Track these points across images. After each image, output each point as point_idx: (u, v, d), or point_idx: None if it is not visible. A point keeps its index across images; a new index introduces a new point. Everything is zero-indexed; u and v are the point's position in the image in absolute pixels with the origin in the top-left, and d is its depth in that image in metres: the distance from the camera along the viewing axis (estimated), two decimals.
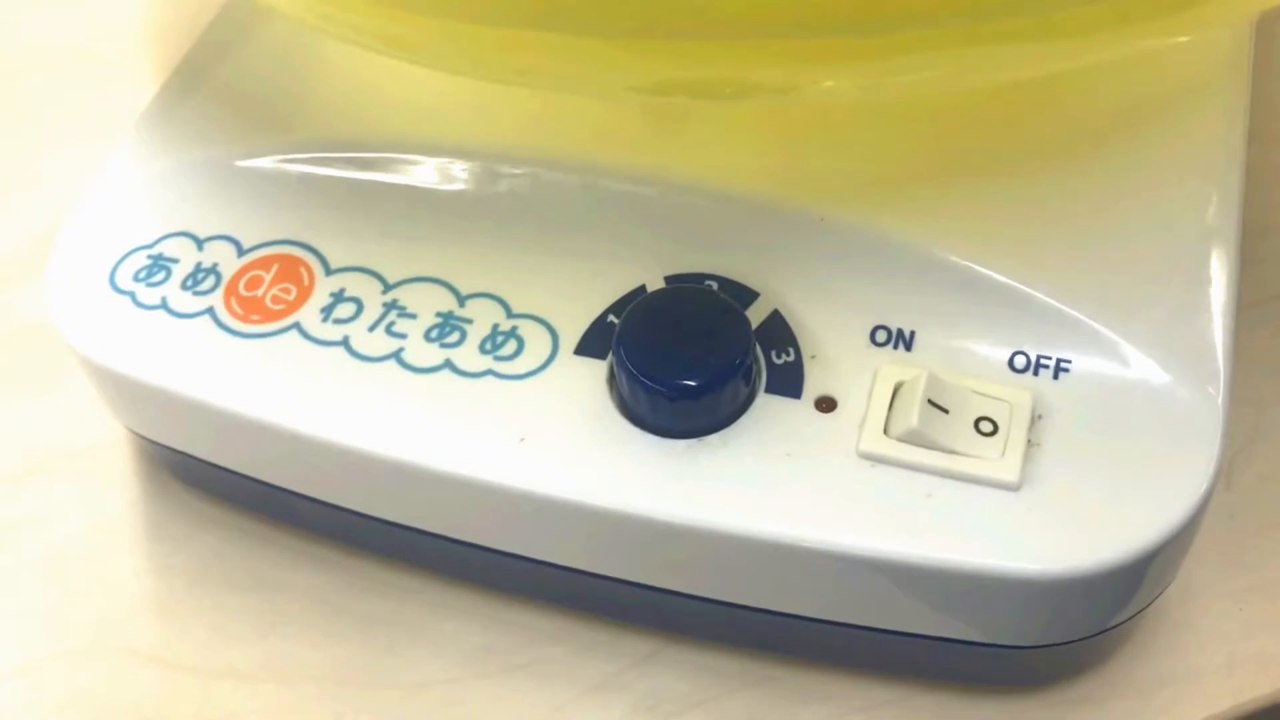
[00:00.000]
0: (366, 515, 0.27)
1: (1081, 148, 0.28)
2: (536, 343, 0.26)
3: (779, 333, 0.26)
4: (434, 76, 0.27)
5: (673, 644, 0.28)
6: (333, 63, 0.30)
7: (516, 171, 0.28)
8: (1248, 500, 0.29)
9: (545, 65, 0.25)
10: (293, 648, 0.29)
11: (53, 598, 0.30)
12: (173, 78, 0.31)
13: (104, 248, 0.28)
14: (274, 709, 0.28)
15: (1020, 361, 0.25)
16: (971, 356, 0.25)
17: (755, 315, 0.26)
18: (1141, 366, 0.25)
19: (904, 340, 0.26)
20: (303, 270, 0.28)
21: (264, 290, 0.27)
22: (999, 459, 0.24)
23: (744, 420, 0.25)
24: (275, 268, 0.28)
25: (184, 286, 0.27)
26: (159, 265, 0.28)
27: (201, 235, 0.28)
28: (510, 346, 0.26)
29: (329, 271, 0.27)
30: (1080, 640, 0.25)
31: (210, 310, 0.27)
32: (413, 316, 0.27)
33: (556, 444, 0.25)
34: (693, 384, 0.24)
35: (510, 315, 0.27)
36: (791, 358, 0.26)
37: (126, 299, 0.27)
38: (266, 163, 0.29)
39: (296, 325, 0.27)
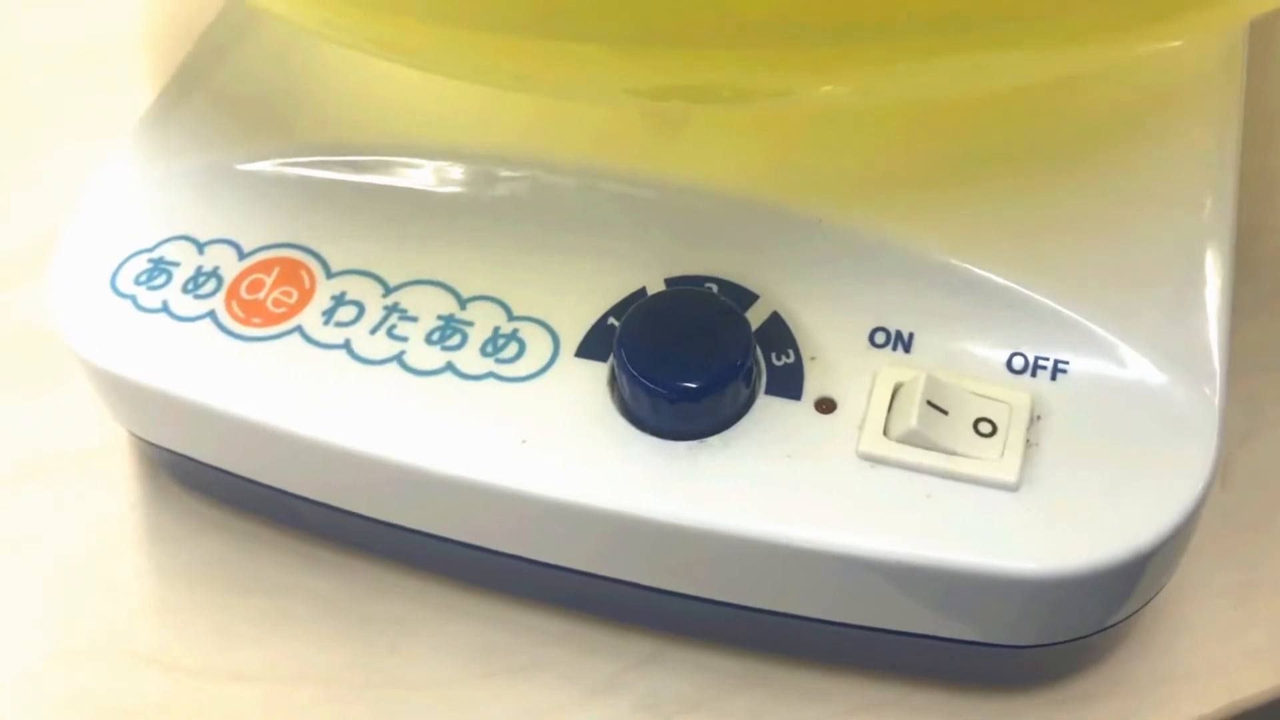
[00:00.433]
0: (369, 518, 0.27)
1: (1078, 151, 0.28)
2: (537, 345, 0.26)
3: (779, 335, 0.26)
4: (434, 79, 0.27)
5: (674, 644, 0.28)
6: (333, 66, 0.30)
7: (516, 174, 0.28)
8: (1243, 499, 0.29)
9: (543, 71, 0.25)
10: (295, 649, 0.29)
11: (54, 600, 0.30)
12: (172, 81, 0.31)
13: (105, 252, 0.28)
14: (276, 710, 0.28)
15: (1018, 362, 0.25)
16: (970, 358, 0.26)
17: (755, 317, 0.26)
18: (1138, 367, 0.25)
19: (903, 342, 0.26)
20: (304, 273, 0.28)
21: (265, 293, 0.27)
22: (998, 459, 0.24)
23: (744, 422, 0.25)
24: (276, 271, 0.28)
25: (185, 290, 0.28)
26: (160, 269, 0.28)
27: (202, 239, 0.28)
28: (511, 349, 0.26)
29: (330, 275, 0.28)
30: (1078, 639, 0.26)
31: (212, 314, 0.27)
32: (414, 319, 0.27)
33: (558, 446, 0.25)
34: (694, 386, 0.24)
35: (511, 318, 0.27)
36: (791, 359, 0.26)
37: (128, 302, 0.27)
38: (267, 166, 0.29)
39: (298, 328, 0.27)
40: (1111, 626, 0.26)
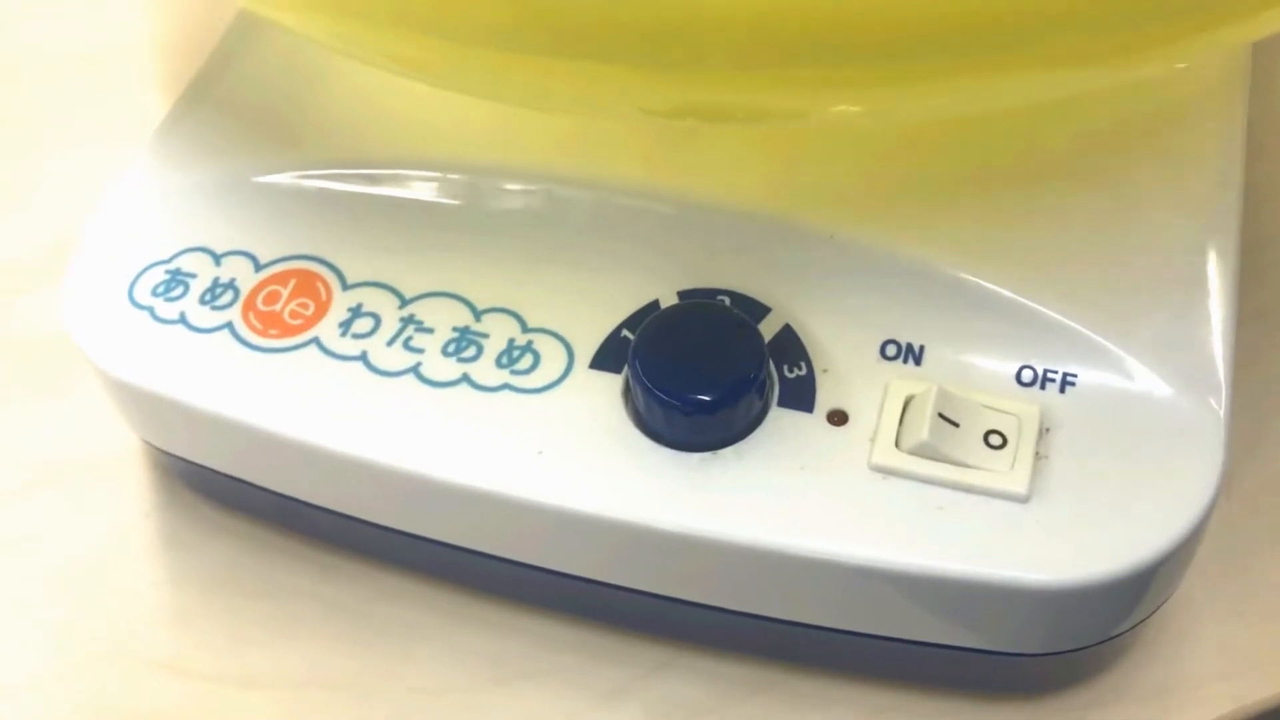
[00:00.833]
0: (385, 527, 0.27)
1: (1085, 167, 0.28)
2: (552, 357, 0.26)
3: (791, 347, 0.26)
4: (450, 94, 0.27)
5: (685, 652, 0.28)
6: (348, 79, 0.30)
7: (530, 188, 0.28)
8: (1248, 509, 0.29)
9: (559, 89, 0.25)
10: (308, 654, 0.29)
11: (68, 607, 0.30)
12: (187, 92, 0.31)
13: (122, 263, 0.28)
14: (289, 715, 0.28)
15: (1027, 375, 0.26)
16: (980, 371, 0.26)
17: (767, 330, 0.26)
18: (1145, 380, 0.25)
19: (913, 355, 0.26)
20: (320, 285, 0.28)
21: (282, 305, 0.28)
22: (1008, 471, 0.25)
23: (757, 434, 0.25)
24: (293, 283, 0.28)
25: (202, 301, 0.28)
26: (177, 280, 0.28)
27: (219, 250, 0.28)
28: (526, 361, 0.27)
29: (346, 286, 0.28)
30: (1086, 648, 0.26)
31: (229, 325, 0.27)
32: (430, 331, 0.27)
33: (573, 457, 0.25)
34: (707, 398, 0.25)
35: (526, 330, 0.27)
36: (803, 372, 0.26)
37: (145, 314, 0.28)
38: (283, 178, 0.29)
39: (315, 340, 0.27)
40: (1118, 635, 0.26)
